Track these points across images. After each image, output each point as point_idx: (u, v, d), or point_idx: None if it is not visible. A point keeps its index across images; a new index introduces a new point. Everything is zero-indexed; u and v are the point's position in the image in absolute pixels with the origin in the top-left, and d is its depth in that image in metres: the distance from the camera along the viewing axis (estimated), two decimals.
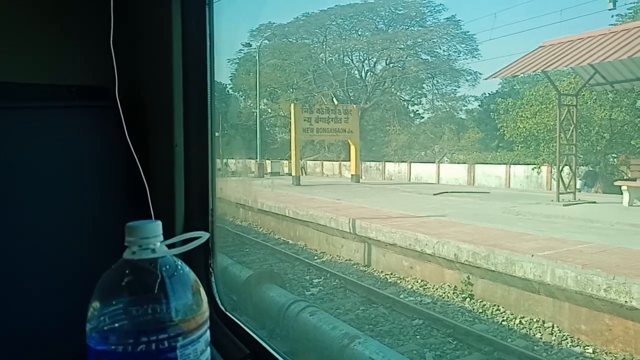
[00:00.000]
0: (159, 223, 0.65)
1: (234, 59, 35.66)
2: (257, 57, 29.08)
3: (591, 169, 17.97)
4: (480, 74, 32.84)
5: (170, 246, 0.67)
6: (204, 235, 0.71)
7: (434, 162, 26.65)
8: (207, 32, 1.19)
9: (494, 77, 14.77)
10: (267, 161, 28.37)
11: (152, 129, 1.23)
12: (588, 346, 5.61)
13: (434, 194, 15.54)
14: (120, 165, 1.13)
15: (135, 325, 0.61)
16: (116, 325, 0.61)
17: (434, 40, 33.48)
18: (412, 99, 36.46)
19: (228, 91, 35.41)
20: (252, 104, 33.77)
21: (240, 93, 36.86)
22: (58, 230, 1.10)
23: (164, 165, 1.20)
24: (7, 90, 1.09)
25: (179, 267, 0.66)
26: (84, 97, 1.19)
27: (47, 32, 1.18)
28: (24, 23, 1.15)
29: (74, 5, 1.20)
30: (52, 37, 1.19)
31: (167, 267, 0.64)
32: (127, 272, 0.63)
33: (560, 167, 12.93)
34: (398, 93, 35.98)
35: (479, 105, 34.33)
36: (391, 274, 8.54)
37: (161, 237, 0.65)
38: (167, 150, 1.18)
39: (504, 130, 22.88)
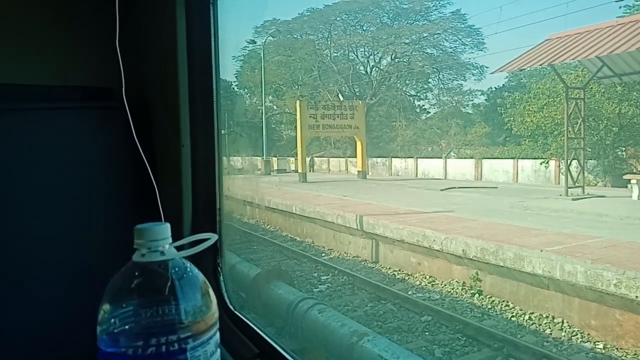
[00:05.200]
0: (168, 225, 0.65)
1: (239, 56, 35.72)
2: (262, 54, 29.06)
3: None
4: (486, 67, 32.65)
5: (178, 248, 0.67)
6: (213, 237, 0.71)
7: (440, 158, 26.51)
8: (212, 31, 1.18)
9: (501, 71, 14.68)
10: (273, 158, 28.41)
11: (159, 130, 1.22)
12: (598, 342, 5.57)
13: (441, 190, 15.50)
14: (128, 166, 1.13)
15: (145, 327, 0.61)
16: (126, 327, 0.61)
17: (440, 34, 33.33)
18: (418, 94, 36.36)
19: (233, 89, 35.47)
20: (257, 101, 33.83)
21: (246, 90, 36.90)
22: (66, 233, 1.10)
23: (171, 166, 1.19)
24: (13, 92, 1.09)
25: (188, 268, 0.66)
26: (90, 98, 1.19)
27: (53, 34, 1.18)
28: (29, 25, 1.15)
29: (79, 6, 1.20)
30: (58, 38, 1.19)
31: (176, 269, 0.64)
32: (136, 274, 0.63)
33: (569, 161, 12.84)
34: (404, 88, 35.85)
35: (485, 100, 34.15)
36: (399, 270, 8.52)
37: (170, 240, 0.65)
38: (174, 151, 1.18)
39: (511, 125, 22.73)
